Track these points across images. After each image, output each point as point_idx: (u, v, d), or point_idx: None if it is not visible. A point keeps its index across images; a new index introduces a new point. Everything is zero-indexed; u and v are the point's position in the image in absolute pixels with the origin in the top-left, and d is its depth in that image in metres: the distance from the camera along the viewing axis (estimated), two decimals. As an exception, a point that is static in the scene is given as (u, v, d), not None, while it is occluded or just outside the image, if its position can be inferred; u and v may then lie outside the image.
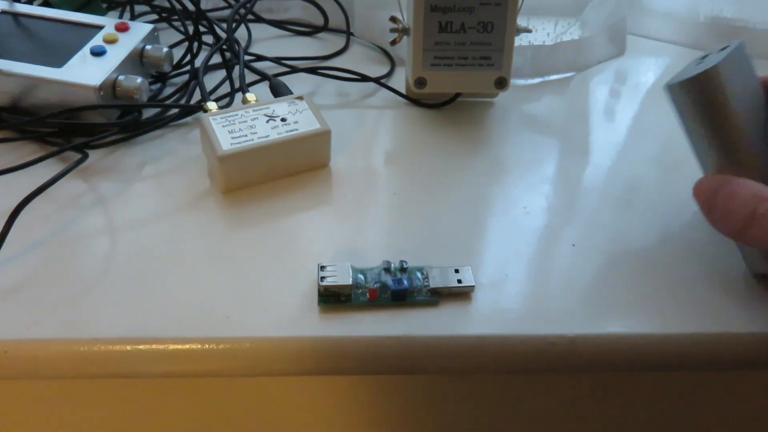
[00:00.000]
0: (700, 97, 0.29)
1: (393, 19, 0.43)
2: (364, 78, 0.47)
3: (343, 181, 0.38)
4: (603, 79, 0.51)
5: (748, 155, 0.29)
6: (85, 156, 0.38)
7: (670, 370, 0.31)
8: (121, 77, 0.41)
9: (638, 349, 0.30)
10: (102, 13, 0.50)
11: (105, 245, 0.33)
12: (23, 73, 0.40)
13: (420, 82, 0.43)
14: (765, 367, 0.31)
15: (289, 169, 0.38)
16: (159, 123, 0.42)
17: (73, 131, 0.41)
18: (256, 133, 0.36)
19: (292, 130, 0.37)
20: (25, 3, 0.47)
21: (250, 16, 0.54)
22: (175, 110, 0.43)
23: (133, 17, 0.52)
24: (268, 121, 0.37)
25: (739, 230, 0.27)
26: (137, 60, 0.44)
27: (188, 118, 0.43)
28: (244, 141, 0.36)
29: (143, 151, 0.40)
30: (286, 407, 0.34)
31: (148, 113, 0.43)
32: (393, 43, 0.44)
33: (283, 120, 0.38)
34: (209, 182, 0.38)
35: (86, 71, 0.40)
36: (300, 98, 0.39)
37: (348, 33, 0.54)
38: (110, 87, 0.41)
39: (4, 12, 0.45)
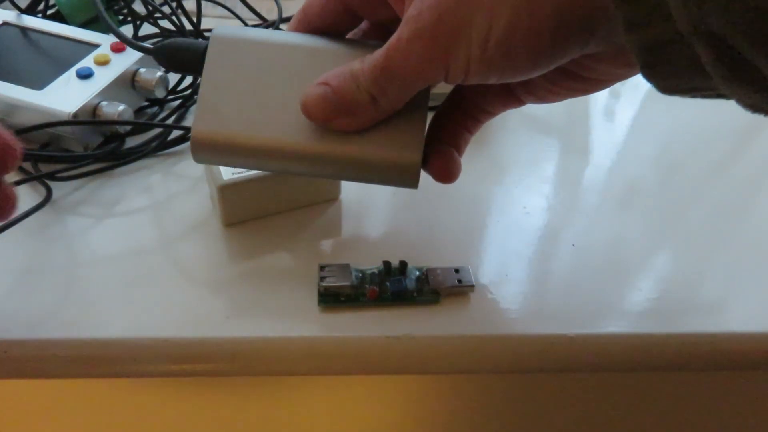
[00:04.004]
0: (212, 157, 0.28)
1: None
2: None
3: (346, 183, 0.38)
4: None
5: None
6: (49, 195, 0.35)
7: (670, 370, 0.31)
8: (103, 103, 0.38)
9: (638, 349, 0.30)
10: (116, 25, 0.46)
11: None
12: (0, 94, 0.37)
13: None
14: (765, 367, 0.31)
15: (296, 202, 0.35)
16: (140, 153, 0.39)
17: (45, 161, 0.37)
18: None
19: None
20: (38, 13, 0.46)
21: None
22: (156, 141, 0.40)
23: (136, 35, 0.47)
24: None
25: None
26: (128, 84, 0.40)
27: (176, 148, 0.40)
28: (247, 170, 0.33)
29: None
30: (286, 407, 0.34)
31: (132, 142, 0.40)
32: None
33: None
34: (210, 210, 0.36)
35: (66, 95, 0.37)
36: None
37: None
38: (89, 114, 0.37)
39: (6, 23, 0.43)
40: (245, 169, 0.33)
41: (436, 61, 0.23)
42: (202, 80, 0.27)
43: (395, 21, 0.25)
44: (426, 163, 0.28)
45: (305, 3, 0.29)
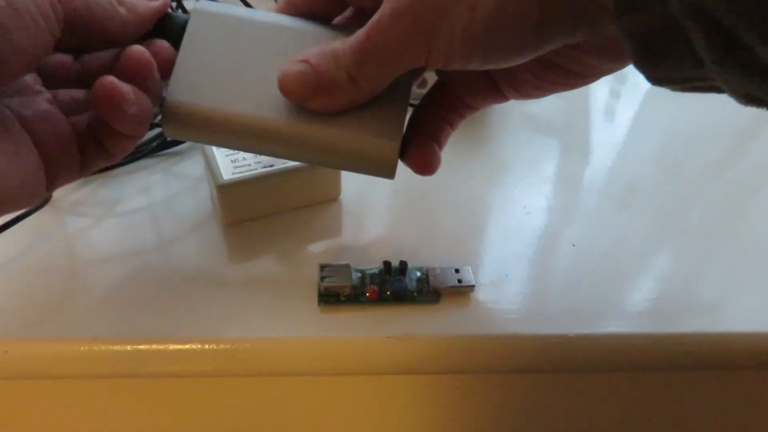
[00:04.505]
0: (184, 130, 0.27)
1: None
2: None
3: (346, 183, 0.38)
4: (603, 79, 0.50)
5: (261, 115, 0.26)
6: (47, 198, 0.35)
7: (670, 370, 0.31)
8: None
9: (638, 349, 0.30)
10: None
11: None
12: None
13: (421, 84, 0.43)
14: (765, 368, 0.31)
15: (296, 202, 0.35)
16: (140, 153, 0.39)
17: None
18: (260, 162, 0.34)
19: None
20: None
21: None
22: (156, 141, 0.40)
23: None
24: None
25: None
26: None
27: (176, 148, 0.40)
28: (247, 170, 0.33)
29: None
30: (286, 407, 0.34)
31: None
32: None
33: None
34: (210, 209, 0.36)
35: None
36: None
37: None
38: None
39: None
40: (221, 147, 0.31)
41: (417, 42, 0.22)
42: (180, 52, 0.27)
43: (378, 7, 0.24)
44: (405, 155, 0.28)
45: None
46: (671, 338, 0.30)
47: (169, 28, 0.28)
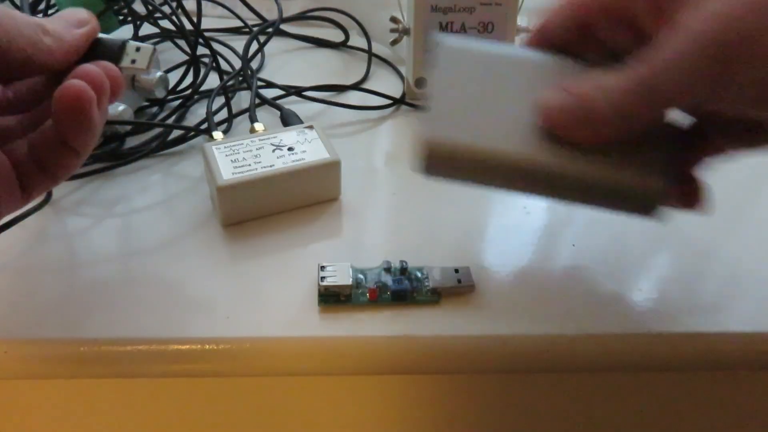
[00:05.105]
0: (445, 170, 0.26)
1: (393, 20, 0.43)
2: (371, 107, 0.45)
3: (346, 183, 0.38)
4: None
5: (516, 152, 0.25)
6: (49, 195, 0.35)
7: (670, 370, 0.31)
8: None
9: (638, 349, 0.30)
10: (114, 27, 0.46)
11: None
12: None
13: (420, 83, 0.43)
14: (765, 367, 0.31)
15: (296, 202, 0.36)
16: (140, 153, 0.39)
17: None
18: (260, 162, 0.34)
19: (298, 160, 0.34)
20: (39, 12, 0.45)
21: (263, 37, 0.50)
22: (156, 141, 0.40)
23: (136, 36, 0.47)
24: (274, 150, 0.35)
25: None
26: (128, 84, 0.39)
27: (176, 148, 0.40)
28: (247, 171, 0.33)
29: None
30: (286, 407, 0.34)
31: (132, 142, 0.40)
32: (393, 43, 0.44)
33: (290, 149, 0.35)
34: (211, 209, 0.36)
35: None
36: (310, 127, 0.37)
37: (369, 56, 0.50)
38: None
39: None
40: (479, 187, 0.29)
41: (711, 79, 0.20)
42: (432, 88, 0.26)
43: (629, 48, 0.23)
44: (672, 193, 0.26)
45: (546, 18, 0.27)
46: (671, 338, 0.30)
47: (101, 52, 0.27)
